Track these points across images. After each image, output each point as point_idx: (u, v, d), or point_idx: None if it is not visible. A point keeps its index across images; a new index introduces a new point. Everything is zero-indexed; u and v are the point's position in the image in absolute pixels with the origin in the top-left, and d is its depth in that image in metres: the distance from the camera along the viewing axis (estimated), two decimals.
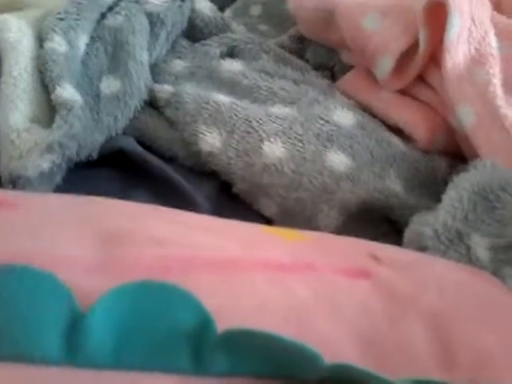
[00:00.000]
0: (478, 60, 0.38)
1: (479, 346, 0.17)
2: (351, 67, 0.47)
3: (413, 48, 0.41)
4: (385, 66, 0.42)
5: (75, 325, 0.15)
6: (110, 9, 0.46)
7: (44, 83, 0.37)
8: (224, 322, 0.16)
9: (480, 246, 0.28)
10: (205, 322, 0.15)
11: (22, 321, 0.14)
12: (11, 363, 0.14)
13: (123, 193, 0.35)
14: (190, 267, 0.18)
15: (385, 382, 0.14)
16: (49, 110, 0.36)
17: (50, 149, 0.32)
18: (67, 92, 0.35)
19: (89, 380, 0.15)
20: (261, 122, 0.38)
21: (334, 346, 0.17)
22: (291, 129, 0.37)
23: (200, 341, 0.15)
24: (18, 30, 0.39)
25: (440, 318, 0.19)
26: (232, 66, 0.44)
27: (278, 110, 0.40)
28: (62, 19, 0.41)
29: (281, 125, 0.37)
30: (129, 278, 0.16)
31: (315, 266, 0.21)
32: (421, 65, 0.40)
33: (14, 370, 0.14)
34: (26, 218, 0.18)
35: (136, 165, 0.38)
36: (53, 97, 0.35)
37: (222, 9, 0.58)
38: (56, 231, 0.18)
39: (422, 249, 0.28)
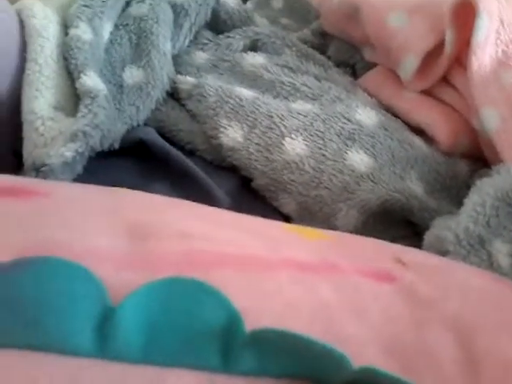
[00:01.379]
0: (505, 62, 0.38)
1: (505, 356, 0.17)
2: (373, 65, 0.47)
3: (438, 48, 0.40)
4: (409, 65, 0.41)
5: (106, 319, 0.15)
6: None
7: (68, 71, 0.37)
8: (251, 321, 0.16)
9: (501, 252, 0.28)
10: (234, 321, 0.16)
11: (55, 312, 0.15)
12: (43, 353, 0.15)
13: (143, 184, 0.35)
14: (216, 263, 0.18)
15: None
16: (73, 97, 0.36)
17: (73, 137, 0.32)
18: (91, 80, 0.35)
19: (117, 373, 0.15)
20: (282, 117, 0.37)
21: (358, 348, 0.17)
22: (313, 126, 0.37)
23: (228, 339, 0.15)
24: (44, 17, 0.39)
25: (464, 325, 0.19)
26: (255, 59, 0.44)
27: (300, 106, 0.39)
28: (87, 6, 0.41)
29: (302, 121, 0.37)
30: (157, 273, 0.16)
31: (340, 267, 0.21)
32: (446, 66, 0.40)
33: (45, 360, 0.15)
34: (57, 207, 0.19)
35: (156, 156, 0.38)
36: (77, 85, 0.35)
37: (243, 1, 0.57)
38: (86, 222, 0.18)
39: (443, 253, 0.28)
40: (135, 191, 0.23)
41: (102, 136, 0.34)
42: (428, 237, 0.30)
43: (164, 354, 0.15)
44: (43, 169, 0.31)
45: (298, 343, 0.15)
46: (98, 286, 0.15)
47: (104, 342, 0.15)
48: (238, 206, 0.33)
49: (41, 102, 0.34)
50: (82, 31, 0.39)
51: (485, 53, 0.37)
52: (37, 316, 0.14)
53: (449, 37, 0.39)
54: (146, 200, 0.22)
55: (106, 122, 0.34)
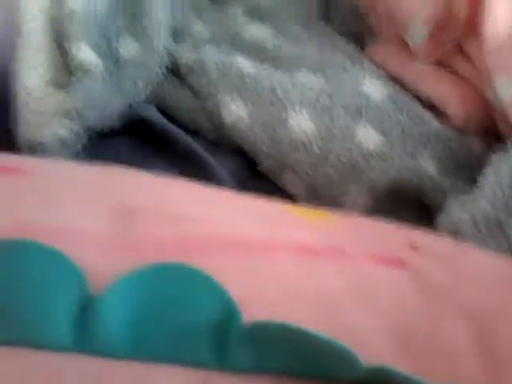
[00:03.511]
0: None
1: None
2: (380, 34, 0.45)
3: (451, 13, 0.38)
4: (418, 32, 0.39)
5: (87, 308, 0.14)
6: None
7: (61, 44, 0.36)
8: (249, 312, 0.15)
9: None
10: (230, 312, 0.14)
11: (31, 302, 0.13)
12: (17, 349, 0.13)
13: (144, 163, 0.34)
14: (210, 247, 0.17)
15: None
16: (66, 71, 0.35)
17: (67, 115, 0.31)
18: (84, 53, 0.34)
19: (100, 369, 0.14)
20: (286, 91, 0.36)
21: (368, 341, 0.16)
22: (318, 101, 0.35)
23: (224, 333, 0.14)
24: None
25: (483, 316, 0.17)
26: (255, 29, 0.42)
27: (304, 77, 0.38)
28: None
29: (307, 96, 0.36)
30: (144, 258, 0.15)
31: (346, 252, 0.19)
32: (459, 32, 0.38)
33: (20, 356, 0.13)
34: (39, 185, 0.17)
35: (157, 135, 0.36)
36: (69, 58, 0.34)
37: None
38: (69, 201, 0.17)
39: (458, 236, 0.26)
40: (126, 169, 0.22)
41: (98, 114, 0.33)
42: (442, 219, 0.29)
43: (152, 349, 0.14)
44: (38, 147, 0.30)
45: (300, 338, 0.14)
46: (75, 272, 0.14)
47: (85, 334, 0.14)
48: (242, 187, 0.32)
49: (33, 77, 0.32)
50: (74, 2, 0.37)
51: (500, 15, 0.35)
52: (10, 307, 0.13)
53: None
54: (137, 179, 0.21)
55: (100, 100, 0.33)
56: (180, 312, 0.14)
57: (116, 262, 0.15)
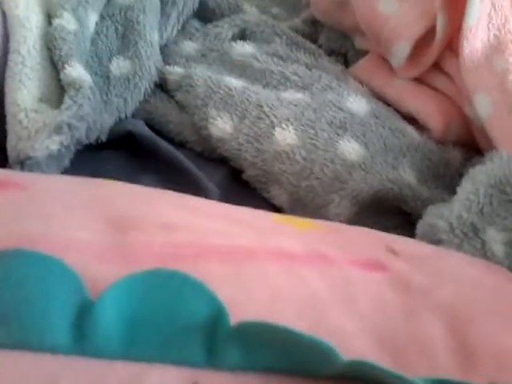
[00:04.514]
0: (497, 47, 0.37)
1: (500, 345, 0.17)
2: (365, 53, 0.46)
3: (429, 34, 0.39)
4: (400, 52, 0.41)
5: (84, 313, 0.14)
6: None
7: (52, 62, 0.37)
8: (236, 314, 0.16)
9: (495, 240, 0.27)
10: (218, 314, 0.15)
11: (30, 307, 0.14)
12: (18, 351, 0.14)
13: (132, 177, 0.35)
14: (201, 255, 0.18)
15: (405, 380, 0.14)
16: (57, 89, 0.35)
17: (58, 130, 0.31)
18: (76, 71, 0.35)
19: (97, 370, 0.15)
20: (273, 107, 0.37)
21: (349, 340, 0.17)
22: (303, 115, 0.36)
23: (213, 333, 0.15)
24: (26, 7, 0.38)
25: (457, 313, 0.18)
26: (244, 48, 0.43)
27: (291, 95, 0.39)
28: None
29: (293, 111, 0.37)
30: (138, 265, 0.16)
31: (329, 257, 0.20)
32: (438, 52, 0.39)
33: (21, 358, 0.14)
34: (35, 199, 0.18)
35: (145, 149, 0.37)
36: (61, 76, 0.35)
37: None
38: (65, 214, 0.17)
39: (436, 242, 0.27)
40: (118, 182, 0.23)
41: (88, 128, 0.34)
42: (421, 225, 0.30)
43: (145, 350, 0.15)
44: (28, 162, 0.31)
45: (284, 336, 0.15)
46: (74, 278, 0.14)
47: (83, 338, 0.14)
48: (227, 198, 0.32)
49: (24, 93, 0.33)
50: (66, 21, 0.38)
51: (476, 37, 0.37)
52: (9, 312, 0.14)
53: (440, 21, 0.38)
54: (129, 191, 0.22)
55: (91, 114, 0.33)
56: (171, 314, 0.15)
57: (111, 269, 0.16)
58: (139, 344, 0.15)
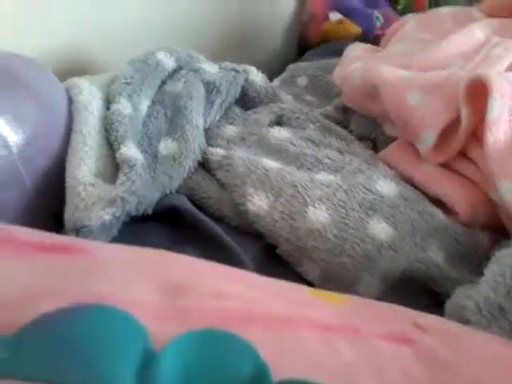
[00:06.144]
0: None
1: None
2: (393, 139, 0.49)
3: (455, 124, 0.42)
4: (427, 140, 0.43)
5: (148, 363, 0.16)
6: (171, 75, 0.50)
7: (109, 141, 0.41)
8: (275, 376, 0.17)
9: None
10: (263, 372, 0.17)
11: (104, 355, 0.16)
12: None
13: (173, 248, 0.37)
14: (246, 320, 0.19)
15: None
16: (112, 166, 0.39)
17: (112, 202, 0.34)
18: (131, 151, 0.38)
19: None
20: (306, 187, 0.39)
21: None
22: (335, 196, 0.39)
23: None
24: (89, 93, 0.43)
25: None
26: (280, 133, 0.47)
27: (323, 177, 0.41)
28: (128, 84, 0.46)
29: (325, 192, 0.39)
30: (193, 326, 0.18)
31: (360, 330, 0.22)
32: (463, 140, 0.42)
33: None
34: (101, 263, 0.20)
35: (187, 222, 0.40)
36: (117, 154, 0.38)
37: (269, 77, 0.61)
38: (126, 278, 0.20)
39: (464, 322, 0.28)
40: (167, 252, 0.25)
41: (138, 202, 0.37)
42: (449, 305, 0.31)
43: None
44: (83, 230, 0.33)
45: None
46: (142, 332, 0.16)
47: None
48: (262, 271, 0.34)
49: (84, 169, 0.37)
50: (123, 106, 0.43)
51: (499, 129, 0.39)
52: (88, 357, 0.16)
53: (464, 113, 0.41)
54: (179, 260, 0.24)
55: (142, 189, 0.37)
56: (222, 370, 0.17)
57: (169, 328, 0.17)
58: None
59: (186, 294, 0.19)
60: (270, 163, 0.42)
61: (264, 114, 0.49)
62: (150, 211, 0.39)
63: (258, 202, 0.39)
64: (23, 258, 0.20)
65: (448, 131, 0.43)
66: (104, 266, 0.20)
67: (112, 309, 0.17)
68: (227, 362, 0.17)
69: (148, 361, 0.16)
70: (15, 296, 0.18)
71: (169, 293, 0.19)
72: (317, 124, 0.49)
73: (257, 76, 0.52)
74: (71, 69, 0.55)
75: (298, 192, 0.39)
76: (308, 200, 0.38)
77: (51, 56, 0.54)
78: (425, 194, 0.42)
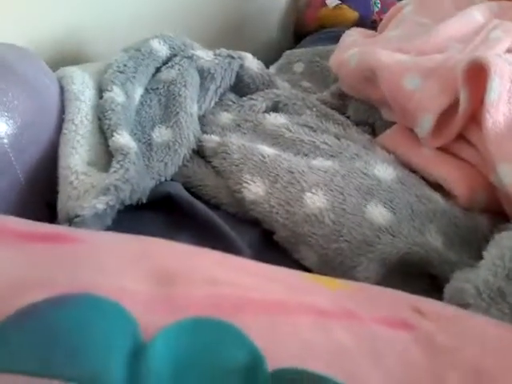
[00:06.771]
0: None
1: None
2: (391, 123, 0.49)
3: (454, 107, 0.42)
4: (426, 124, 0.43)
5: (137, 353, 0.16)
6: (165, 63, 0.50)
7: (102, 130, 0.40)
8: (270, 362, 0.17)
9: None
10: (257, 360, 0.16)
11: (92, 347, 0.16)
12: None
13: (169, 235, 0.36)
14: (239, 307, 0.19)
15: None
16: (105, 154, 0.38)
17: (105, 191, 0.34)
18: (124, 139, 0.38)
19: None
20: (303, 173, 0.39)
21: None
22: (332, 181, 0.38)
23: (252, 377, 0.16)
24: (82, 82, 0.43)
25: (483, 373, 0.19)
26: (276, 119, 0.46)
27: (320, 162, 0.41)
28: (121, 72, 0.45)
29: (322, 177, 0.39)
30: (184, 315, 0.17)
31: (357, 314, 0.21)
32: (462, 123, 0.41)
33: None
34: (92, 252, 0.20)
35: (182, 209, 0.39)
36: (110, 143, 0.38)
37: (266, 64, 0.61)
38: (117, 266, 0.19)
39: (464, 306, 0.28)
40: (161, 239, 0.24)
41: (132, 190, 0.36)
42: (448, 289, 0.30)
43: None
44: (76, 219, 0.33)
45: (317, 381, 0.16)
46: (131, 322, 0.16)
47: (134, 376, 0.16)
48: (259, 258, 0.33)
49: (75, 158, 0.36)
50: (116, 94, 0.42)
51: (498, 111, 0.38)
52: (75, 348, 0.15)
53: (463, 96, 0.40)
54: (174, 248, 0.23)
55: (135, 177, 0.36)
56: (214, 359, 0.16)
57: (159, 316, 0.17)
58: None
59: (179, 283, 0.19)
60: (267, 149, 0.42)
61: (259, 101, 0.48)
62: (144, 200, 0.38)
63: (254, 189, 0.39)
64: (14, 248, 0.20)
65: (446, 115, 0.42)
66: (96, 255, 0.20)
67: (101, 298, 0.16)
68: (219, 352, 0.16)
69: (137, 351, 0.16)
70: (5, 286, 0.17)
71: (161, 281, 0.19)
72: (314, 110, 0.49)
73: (252, 62, 0.51)
74: (64, 58, 0.55)
75: (295, 178, 0.38)
76: (305, 186, 0.38)
77: (44, 46, 0.53)
78: (423, 178, 0.42)
